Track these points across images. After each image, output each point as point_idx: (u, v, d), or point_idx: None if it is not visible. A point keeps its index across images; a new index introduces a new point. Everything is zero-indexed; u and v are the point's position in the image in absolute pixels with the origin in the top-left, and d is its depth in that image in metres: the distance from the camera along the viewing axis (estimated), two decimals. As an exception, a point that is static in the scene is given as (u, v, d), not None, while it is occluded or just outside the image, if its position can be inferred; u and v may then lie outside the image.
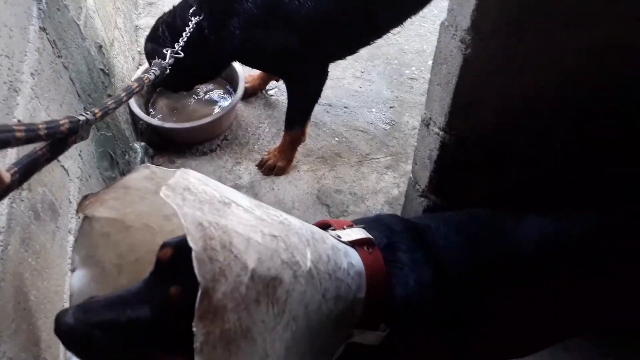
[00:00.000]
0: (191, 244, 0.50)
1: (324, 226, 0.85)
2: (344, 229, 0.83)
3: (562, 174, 1.37)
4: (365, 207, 1.73)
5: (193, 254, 0.50)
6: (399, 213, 1.63)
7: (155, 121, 1.86)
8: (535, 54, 1.01)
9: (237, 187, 1.76)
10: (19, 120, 0.91)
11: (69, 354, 0.80)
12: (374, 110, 2.03)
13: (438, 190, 1.31)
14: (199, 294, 0.48)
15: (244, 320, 0.52)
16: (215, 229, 0.54)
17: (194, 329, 0.48)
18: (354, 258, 0.75)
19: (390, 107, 2.04)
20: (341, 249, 0.73)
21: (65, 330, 0.59)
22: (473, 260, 0.86)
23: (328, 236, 0.75)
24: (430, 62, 2.15)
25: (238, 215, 0.59)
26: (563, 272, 0.89)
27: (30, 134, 0.63)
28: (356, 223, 0.88)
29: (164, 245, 0.61)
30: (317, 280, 0.63)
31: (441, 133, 1.17)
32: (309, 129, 1.88)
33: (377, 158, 1.88)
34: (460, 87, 1.06)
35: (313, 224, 0.82)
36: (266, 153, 1.88)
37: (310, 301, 0.61)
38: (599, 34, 1.01)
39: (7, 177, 0.60)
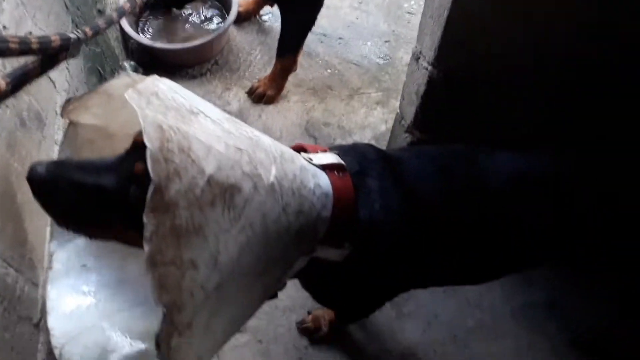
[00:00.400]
0: (147, 143, 0.54)
1: (300, 149, 0.88)
2: (317, 153, 0.86)
3: (545, 120, 1.39)
4: (352, 141, 1.75)
5: (147, 152, 0.53)
6: (384, 148, 1.66)
7: (146, 40, 1.83)
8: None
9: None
10: (3, 26, 0.91)
11: (53, 256, 0.85)
12: (369, 43, 2.01)
13: (423, 126, 1.33)
14: (151, 188, 0.52)
15: (197, 218, 0.56)
16: (175, 133, 0.57)
17: (145, 219, 0.52)
18: (323, 180, 0.78)
19: (386, 41, 2.01)
20: (310, 170, 0.77)
21: (36, 178, 0.62)
22: (443, 190, 0.90)
23: (299, 158, 0.78)
24: (429, -3, 2.11)
25: (204, 125, 0.63)
26: (528, 208, 0.93)
27: (23, 47, 0.66)
28: (332, 149, 0.91)
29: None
30: (279, 195, 0.67)
31: (430, 68, 1.18)
32: (301, 59, 1.87)
33: (368, 93, 1.88)
34: (451, 21, 1.06)
35: (289, 147, 0.85)
36: (256, 81, 1.87)
37: (270, 212, 0.65)
38: None
39: (2, 84, 0.63)
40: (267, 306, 1.36)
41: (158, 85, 0.63)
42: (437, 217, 0.89)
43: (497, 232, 0.93)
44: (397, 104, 1.83)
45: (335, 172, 0.82)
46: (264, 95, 1.83)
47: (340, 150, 0.91)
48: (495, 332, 1.37)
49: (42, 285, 0.92)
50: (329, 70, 1.93)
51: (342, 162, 0.85)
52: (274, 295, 0.84)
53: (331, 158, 0.85)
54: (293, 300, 1.39)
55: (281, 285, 0.82)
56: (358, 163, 0.87)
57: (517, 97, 1.31)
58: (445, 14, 1.05)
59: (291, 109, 1.84)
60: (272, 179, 0.67)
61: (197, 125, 0.62)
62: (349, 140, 1.76)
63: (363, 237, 0.83)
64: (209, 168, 0.58)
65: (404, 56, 1.97)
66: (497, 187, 0.92)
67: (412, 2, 2.14)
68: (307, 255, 0.78)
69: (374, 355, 1.31)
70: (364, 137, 1.77)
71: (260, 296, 0.71)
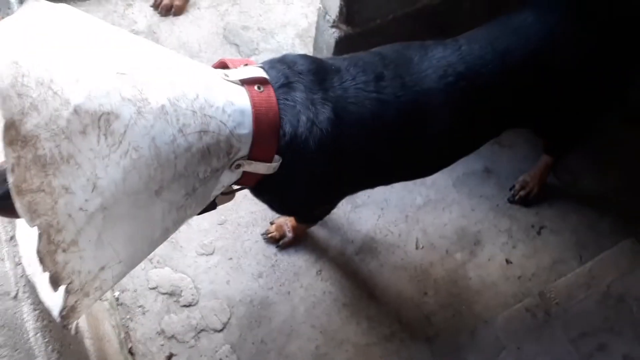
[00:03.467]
0: None
1: (222, 66, 0.89)
2: (239, 67, 0.87)
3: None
4: (276, 43, 1.76)
5: None
6: (310, 46, 1.69)
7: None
8: None
9: (134, 33, 1.69)
10: None
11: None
12: None
13: (348, 18, 1.37)
14: (1, 125, 0.57)
15: (65, 148, 0.61)
16: (34, 67, 0.60)
17: (4, 154, 0.58)
18: (238, 97, 0.81)
19: None
20: (220, 88, 0.79)
21: None
22: (377, 99, 0.95)
23: (207, 76, 0.79)
24: None
25: (79, 54, 0.65)
26: (467, 101, 1.02)
27: None
28: (263, 63, 0.93)
29: None
30: (173, 117, 0.71)
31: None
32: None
33: (282, -13, 1.84)
34: None
35: (212, 65, 0.86)
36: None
37: (160, 135, 0.69)
38: None
39: None
40: (230, 225, 1.47)
41: (33, 11, 0.65)
42: (369, 128, 0.95)
43: (434, 132, 1.02)
44: (315, -5, 1.82)
45: (256, 87, 0.84)
46: (171, 6, 1.76)
47: (269, 63, 0.92)
48: (442, 203, 1.56)
49: (8, 258, 0.95)
50: (236, -33, 1.86)
51: (264, 76, 0.86)
52: (212, 207, 0.89)
53: (251, 72, 0.85)
54: (254, 215, 1.50)
55: (212, 201, 0.86)
56: (284, 75, 0.89)
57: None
58: None
59: (204, 16, 1.79)
60: (163, 101, 0.70)
61: (69, 55, 0.64)
62: (271, 43, 1.77)
63: (289, 152, 0.87)
64: (76, 98, 0.62)
65: (312, -62, 1.91)
66: (432, 90, 0.98)
67: None
68: (231, 170, 0.82)
69: (338, 247, 1.47)
70: (287, 35, 1.78)
71: (170, 210, 0.76)
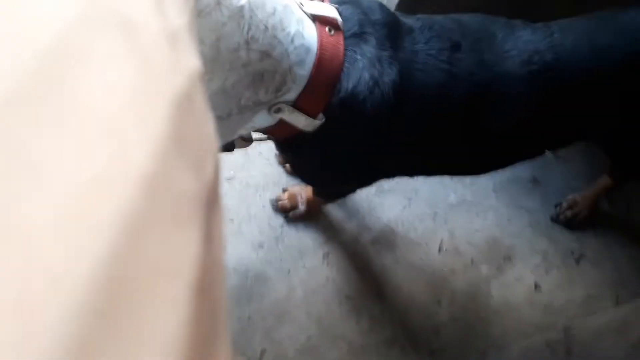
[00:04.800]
0: None
1: None
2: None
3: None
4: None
5: None
6: None
7: None
8: None
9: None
10: None
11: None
12: None
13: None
14: None
15: None
16: None
17: None
18: (308, 32, 0.73)
19: None
20: (296, 15, 0.71)
21: None
22: (449, 71, 0.84)
23: None
24: None
25: None
26: (547, 96, 0.89)
27: None
28: (333, 0, 0.82)
29: None
30: (246, 23, 0.64)
31: None
32: None
33: None
34: None
35: None
36: None
37: (226, 38, 0.62)
38: None
39: None
40: (237, 184, 1.34)
41: None
42: (432, 102, 0.85)
43: (502, 124, 0.90)
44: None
45: (327, 28, 0.75)
46: None
47: (341, 3, 0.82)
48: (477, 207, 1.41)
49: None
50: None
51: (338, 18, 0.77)
52: (230, 148, 0.83)
53: (327, 10, 0.77)
54: (266, 177, 1.36)
55: (238, 139, 0.80)
56: (358, 23, 0.79)
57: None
58: None
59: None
60: (243, 1, 0.62)
61: None
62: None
63: (340, 111, 0.78)
64: None
65: None
66: (512, 75, 0.86)
67: None
68: (269, 112, 0.74)
69: (352, 232, 1.34)
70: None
71: None
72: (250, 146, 1.35)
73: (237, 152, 1.35)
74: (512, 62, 0.87)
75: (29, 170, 0.13)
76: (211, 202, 0.19)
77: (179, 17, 0.21)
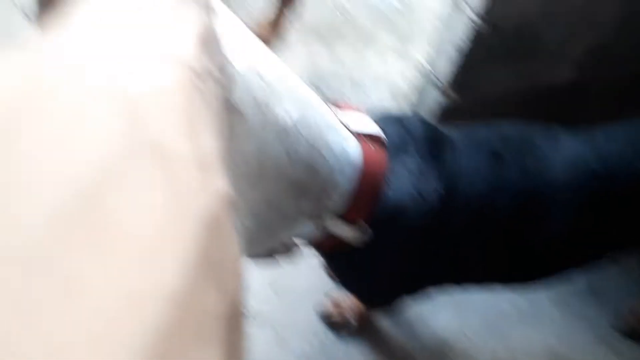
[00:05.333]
0: None
1: (333, 105, 0.83)
2: (351, 111, 0.82)
3: (590, 77, 1.31)
4: (365, 97, 1.66)
5: None
6: (404, 106, 1.57)
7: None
8: None
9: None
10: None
11: None
12: (382, -20, 1.86)
13: (460, 85, 1.24)
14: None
15: None
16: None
17: None
18: (352, 147, 0.76)
19: (402, -22, 1.87)
20: (340, 132, 0.74)
21: None
22: (492, 182, 0.84)
23: (330, 114, 0.74)
24: None
25: (229, 37, 0.59)
26: (595, 204, 0.87)
27: None
28: (374, 115, 0.86)
29: None
30: (290, 141, 0.66)
31: (475, 19, 1.08)
32: (306, -2, 1.72)
33: (383, 40, 1.75)
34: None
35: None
36: (254, 24, 1.72)
37: (271, 152, 0.64)
38: None
39: None
40: (282, 290, 1.31)
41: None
42: (477, 213, 0.84)
43: (550, 233, 0.88)
44: (417, 54, 1.72)
45: (370, 144, 0.78)
46: (263, 40, 1.69)
47: (383, 118, 0.85)
48: (533, 318, 1.34)
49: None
50: (338, 12, 1.80)
51: (381, 134, 0.80)
52: (270, 256, 0.82)
53: (369, 126, 0.80)
54: (312, 283, 1.34)
55: (280, 245, 0.80)
56: (399, 137, 0.82)
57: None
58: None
59: (294, 56, 1.72)
60: (288, 121, 0.64)
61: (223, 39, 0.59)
62: (360, 96, 1.66)
63: (385, 223, 0.79)
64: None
65: (424, -3, 1.83)
66: (557, 184, 0.86)
67: None
68: (313, 223, 0.75)
69: (399, 343, 1.29)
70: (379, 91, 1.67)
71: (239, 234, 0.68)
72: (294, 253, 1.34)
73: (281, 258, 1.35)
74: (556, 171, 0.86)
75: (63, 284, 0.15)
76: (234, 320, 0.20)
77: (210, 142, 0.23)
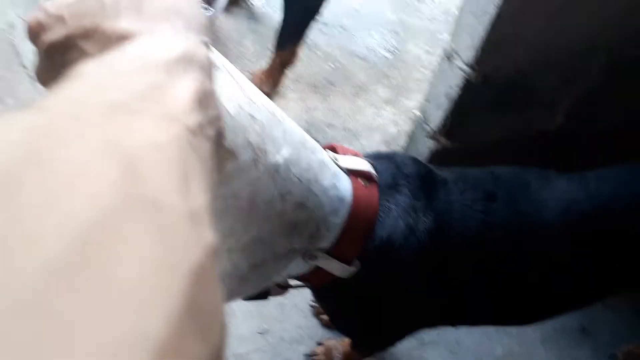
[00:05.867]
0: None
1: (330, 149, 0.84)
2: (347, 155, 0.83)
3: (580, 124, 1.37)
4: (360, 146, 1.71)
5: None
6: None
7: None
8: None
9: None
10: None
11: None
12: (374, 34, 1.96)
13: (451, 132, 1.30)
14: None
15: None
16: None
17: None
18: (343, 184, 0.76)
19: (393, 32, 1.97)
20: (331, 169, 0.75)
21: None
22: (485, 221, 0.85)
23: (323, 153, 0.76)
24: (443, -17, 2.08)
25: (223, 83, 0.62)
26: (588, 245, 0.90)
27: None
28: (367, 156, 0.87)
29: None
30: (282, 179, 0.67)
31: (466, 69, 1.14)
32: (301, 51, 1.80)
33: (376, 90, 1.83)
34: (498, 20, 1.02)
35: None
36: (249, 74, 1.79)
37: (262, 191, 0.66)
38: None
39: None
40: (271, 337, 1.31)
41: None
42: (469, 252, 0.86)
43: (543, 274, 0.90)
44: (409, 103, 1.80)
45: (361, 180, 0.79)
46: (259, 91, 1.75)
47: (376, 158, 0.87)
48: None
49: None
50: (330, 64, 1.88)
51: (372, 172, 0.81)
52: (263, 296, 0.83)
53: (361, 164, 0.81)
54: (301, 330, 1.34)
55: (271, 285, 0.81)
56: (391, 175, 0.83)
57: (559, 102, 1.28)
58: (493, 11, 1.01)
59: (290, 107, 1.78)
60: (279, 159, 0.67)
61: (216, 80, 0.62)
62: (355, 145, 1.71)
63: (375, 258, 0.79)
64: None
65: (414, 49, 1.93)
66: (550, 225, 0.88)
67: (421, -11, 2.10)
68: (304, 259, 0.76)
69: (393, 390, 1.27)
70: (373, 140, 1.72)
71: (230, 276, 0.70)
72: (286, 297, 1.35)
73: (272, 304, 1.36)
74: (549, 212, 0.88)
75: (57, 331, 0.16)
76: None
77: (200, 195, 0.25)
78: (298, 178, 0.70)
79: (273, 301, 1.36)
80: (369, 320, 0.95)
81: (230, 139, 0.61)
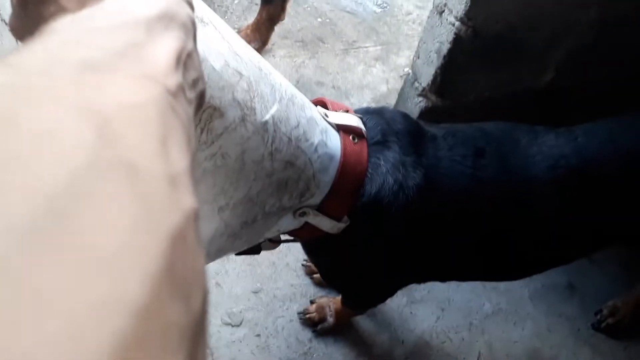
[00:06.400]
0: None
1: (319, 104, 0.84)
2: (338, 111, 0.82)
3: (570, 80, 1.36)
4: (349, 104, 1.68)
5: None
6: (387, 112, 1.60)
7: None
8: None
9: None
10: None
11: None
12: (363, -12, 1.91)
13: (441, 89, 1.28)
14: None
15: None
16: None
17: None
18: (332, 141, 0.77)
19: (383, -14, 1.92)
20: (320, 126, 0.75)
21: None
22: (474, 176, 0.86)
23: (312, 109, 0.76)
24: None
25: (209, 37, 0.62)
26: (575, 200, 0.90)
27: None
28: (357, 111, 0.87)
29: None
30: (270, 137, 0.67)
31: (457, 23, 1.12)
32: (289, 5, 1.75)
33: (365, 47, 1.80)
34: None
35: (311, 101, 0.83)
36: (236, 31, 1.74)
37: (252, 150, 0.66)
38: None
39: None
40: (264, 296, 1.33)
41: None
42: (458, 207, 0.86)
43: (531, 229, 0.91)
44: (398, 60, 1.77)
45: (351, 137, 0.79)
46: (247, 49, 1.71)
47: (365, 113, 0.87)
48: (514, 316, 1.37)
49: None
50: (319, 19, 1.83)
51: (362, 128, 0.81)
52: (256, 251, 0.84)
53: (351, 120, 0.81)
54: (293, 288, 1.35)
55: (263, 241, 0.81)
56: (381, 132, 0.83)
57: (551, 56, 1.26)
58: (484, -39, 0.98)
59: (278, 65, 1.74)
60: (267, 117, 0.66)
61: (201, 34, 0.61)
62: (344, 102, 1.69)
63: (364, 214, 0.80)
64: None
65: (404, 3, 1.89)
66: (538, 180, 0.88)
67: (412, -60, 2.03)
68: (294, 216, 0.77)
69: (384, 346, 1.30)
70: (363, 98, 1.70)
71: (222, 234, 0.71)
72: (278, 257, 1.36)
73: (264, 264, 1.36)
74: (537, 167, 0.89)
75: (28, 295, 0.15)
76: (197, 334, 0.20)
77: (180, 160, 0.24)
78: (287, 136, 0.69)
79: (265, 261, 1.38)
80: (359, 274, 0.97)
81: (217, 97, 0.60)
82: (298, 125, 0.71)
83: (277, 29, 1.74)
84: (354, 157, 0.78)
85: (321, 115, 0.78)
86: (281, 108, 0.69)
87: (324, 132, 0.76)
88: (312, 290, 1.34)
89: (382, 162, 0.80)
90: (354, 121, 0.81)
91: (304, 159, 0.72)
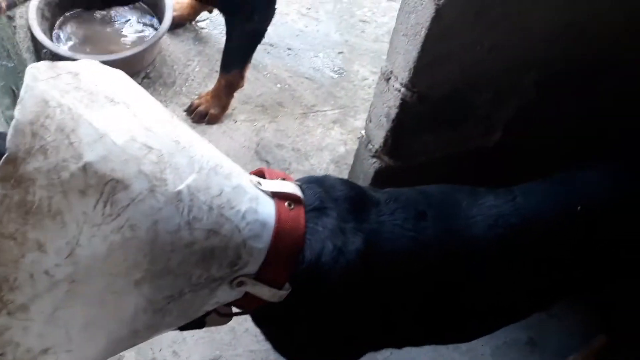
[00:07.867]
0: (17, 113, 0.57)
1: (259, 174, 0.86)
2: (275, 180, 0.84)
3: (518, 139, 1.43)
4: (310, 166, 1.73)
5: (13, 121, 0.57)
6: (345, 173, 1.65)
7: (63, 50, 1.73)
8: (509, 9, 1.04)
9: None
10: None
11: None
12: (320, 54, 2.00)
13: (393, 151, 1.33)
14: (4, 158, 0.56)
15: (56, 202, 0.59)
16: (63, 112, 0.60)
17: None
18: (264, 207, 0.77)
19: (339, 53, 2.02)
20: (250, 194, 0.76)
21: None
22: (415, 238, 0.88)
23: (241, 177, 0.77)
24: (384, 4, 2.14)
25: (115, 116, 0.65)
26: (519, 256, 0.94)
27: None
28: (299, 180, 0.90)
29: None
30: (186, 207, 0.67)
31: (402, 89, 1.19)
32: (248, 72, 1.82)
33: (324, 110, 1.87)
34: (428, 40, 1.06)
35: (249, 172, 0.85)
36: (196, 97, 1.81)
37: (164, 221, 0.66)
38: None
39: None
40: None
41: (88, 66, 0.67)
42: (401, 269, 0.88)
43: (477, 288, 0.93)
44: (356, 123, 1.84)
45: (286, 203, 0.80)
46: (206, 114, 1.77)
47: (306, 182, 0.89)
48: (476, 375, 1.37)
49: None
50: (278, 85, 1.91)
51: (298, 194, 0.83)
52: (199, 325, 0.83)
53: (286, 187, 0.82)
54: (253, 354, 1.35)
55: (201, 314, 0.79)
56: (319, 199, 0.85)
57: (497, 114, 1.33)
58: (423, 33, 1.05)
59: (238, 129, 1.79)
60: (181, 187, 0.67)
61: (105, 114, 0.64)
62: (305, 165, 1.74)
63: (305, 281, 0.80)
64: (90, 156, 0.60)
65: (360, 69, 1.98)
66: (479, 239, 0.92)
67: (366, 9, 2.16)
68: (231, 286, 0.76)
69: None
70: (322, 160, 1.75)
71: (145, 309, 0.69)
72: (237, 323, 1.34)
73: (223, 330, 1.35)
74: (478, 227, 0.92)
75: None
76: None
77: None
78: (207, 205, 0.70)
79: (224, 326, 1.36)
80: (306, 343, 0.95)
81: (119, 169, 0.62)
82: (221, 194, 0.71)
83: (238, 94, 1.79)
84: (290, 223, 0.78)
85: (253, 183, 0.79)
86: (200, 178, 0.69)
87: (254, 200, 0.76)
88: (273, 357, 1.32)
89: (320, 228, 0.81)
90: (290, 188, 0.82)
91: (230, 227, 0.72)
